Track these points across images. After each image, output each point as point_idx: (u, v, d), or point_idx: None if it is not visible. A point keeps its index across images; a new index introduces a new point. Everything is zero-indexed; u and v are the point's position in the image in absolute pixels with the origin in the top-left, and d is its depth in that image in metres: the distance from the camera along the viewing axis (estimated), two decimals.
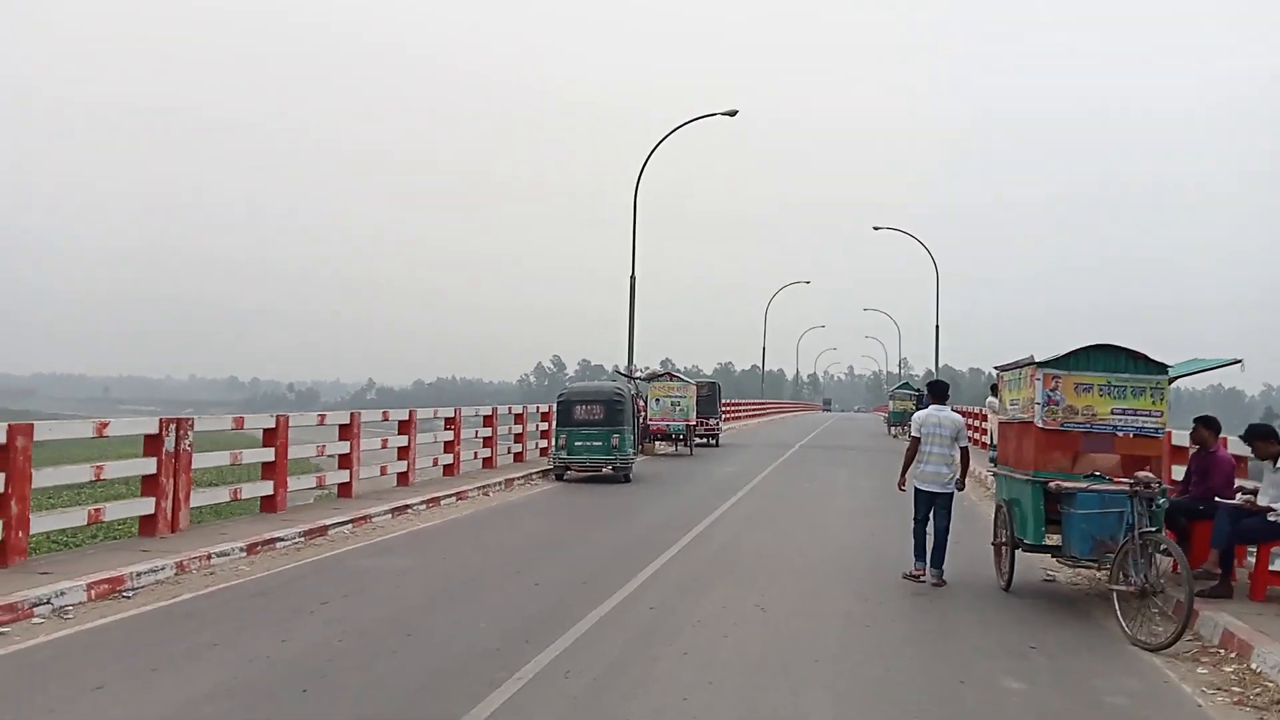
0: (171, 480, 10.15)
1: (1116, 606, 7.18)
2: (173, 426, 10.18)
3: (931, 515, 9.11)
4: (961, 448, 9.09)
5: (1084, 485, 7.73)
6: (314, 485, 13.07)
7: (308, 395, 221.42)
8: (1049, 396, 8.12)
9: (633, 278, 29.27)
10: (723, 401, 32.71)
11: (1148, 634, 6.90)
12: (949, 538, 9.03)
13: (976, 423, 27.65)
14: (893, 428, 40.00)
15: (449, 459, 17.04)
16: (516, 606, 7.62)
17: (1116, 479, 7.61)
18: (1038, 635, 7.06)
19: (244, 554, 9.66)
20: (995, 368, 9.49)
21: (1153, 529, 7.10)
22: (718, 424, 30.03)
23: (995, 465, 20.65)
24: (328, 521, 11.32)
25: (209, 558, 9.21)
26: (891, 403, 42.83)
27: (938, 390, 9.83)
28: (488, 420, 18.74)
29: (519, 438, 20.22)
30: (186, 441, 10.35)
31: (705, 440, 29.12)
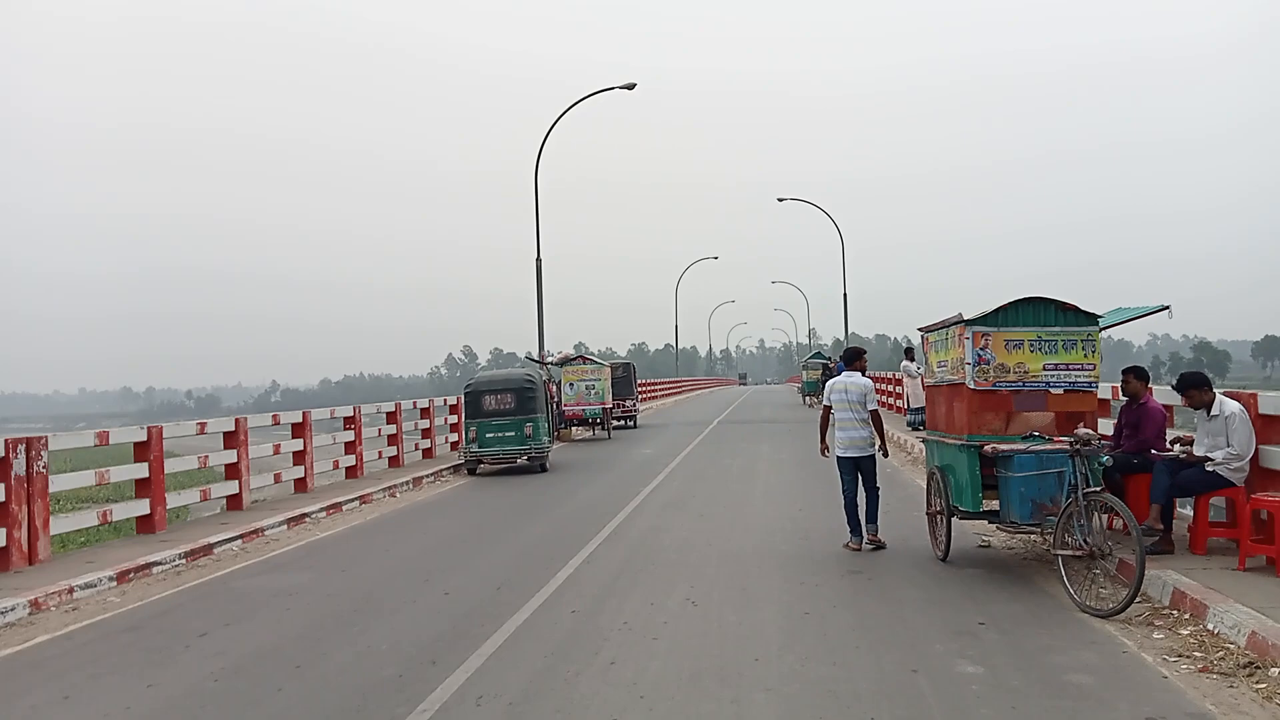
0: (24, 507, 9.01)
1: (1062, 572, 6.80)
2: (22, 447, 9.02)
3: (859, 481, 9.14)
4: (871, 410, 9.07)
5: (1021, 446, 7.34)
6: (198, 499, 11.93)
7: (208, 401, 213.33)
8: (979, 355, 7.70)
9: (538, 260, 28.39)
10: (638, 382, 32.16)
11: (1096, 599, 6.54)
12: (879, 497, 9.09)
13: (890, 388, 27.74)
14: (807, 397, 40.19)
15: (352, 460, 16.03)
16: (422, 623, 6.85)
17: (1056, 438, 7.23)
18: (985, 609, 6.64)
19: (113, 584, 8.63)
20: (919, 329, 9.08)
21: (1097, 489, 6.73)
22: (634, 405, 29.48)
23: (916, 430, 20.70)
24: (213, 539, 10.30)
25: (71, 591, 8.16)
26: (805, 373, 43.08)
27: (848, 356, 9.71)
28: (391, 417, 17.75)
29: (426, 433, 19.26)
30: (40, 463, 9.20)
31: (623, 422, 28.55)
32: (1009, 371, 7.72)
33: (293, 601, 7.82)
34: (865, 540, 8.93)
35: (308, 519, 12.12)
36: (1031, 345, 7.71)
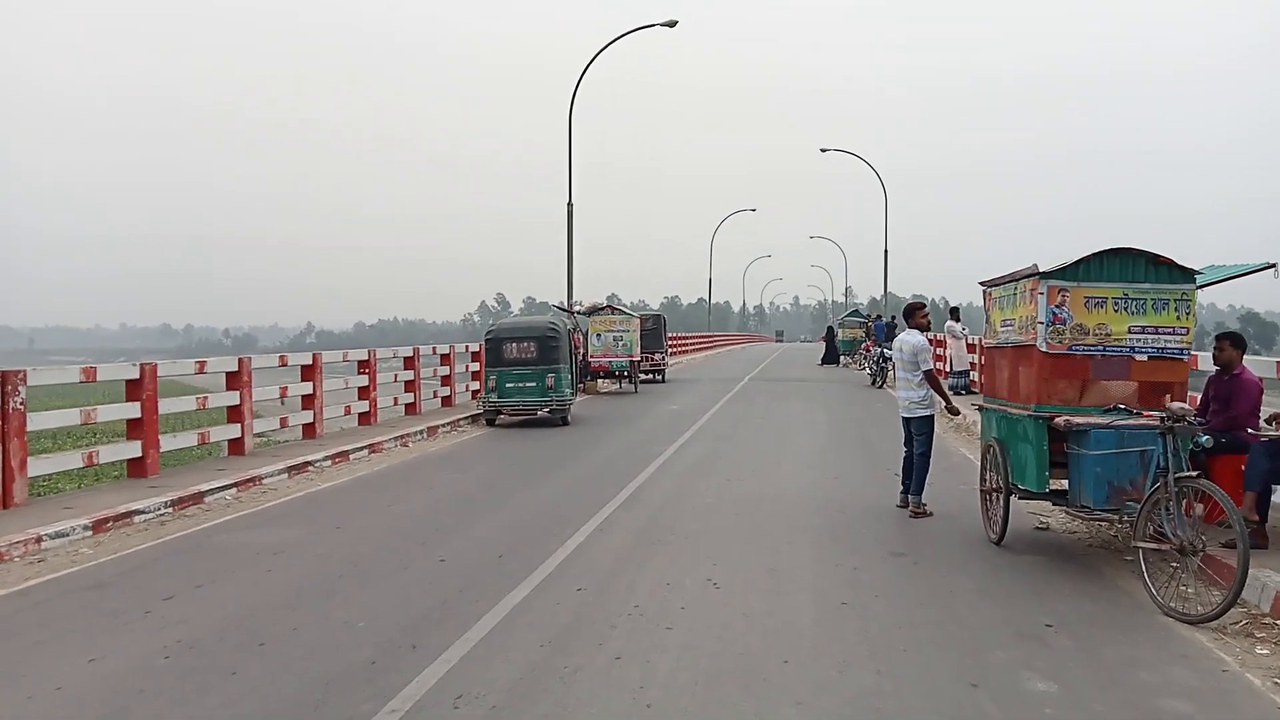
0: None
1: (1143, 568, 5.88)
2: None
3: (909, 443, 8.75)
4: (925, 371, 8.52)
5: (1102, 420, 6.37)
6: (196, 443, 11.27)
7: (245, 340, 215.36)
8: (1054, 314, 6.72)
9: (569, 204, 27.45)
10: (668, 335, 31.22)
11: (1180, 601, 5.63)
12: (928, 465, 8.54)
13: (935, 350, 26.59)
14: (842, 356, 39.03)
15: (366, 406, 15.35)
16: (411, 595, 6.09)
17: (1145, 413, 6.26)
18: (1051, 606, 5.75)
19: (88, 533, 7.98)
20: (980, 282, 8.09)
21: (1192, 474, 5.76)
22: (664, 359, 28.57)
23: (958, 394, 19.64)
24: (206, 486, 9.64)
25: (39, 540, 7.51)
26: (840, 331, 41.80)
27: (906, 311, 9.08)
28: (409, 362, 17.02)
29: (446, 380, 18.54)
30: (17, 399, 8.54)
31: (651, 376, 27.68)
32: (1088, 333, 6.73)
33: (276, 562, 7.11)
34: (909, 511, 8.38)
35: (311, 468, 11.44)
36: (1116, 304, 6.71)
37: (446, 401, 18.50)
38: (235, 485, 10.01)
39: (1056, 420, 6.57)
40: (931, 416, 8.66)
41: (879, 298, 47.48)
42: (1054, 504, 7.10)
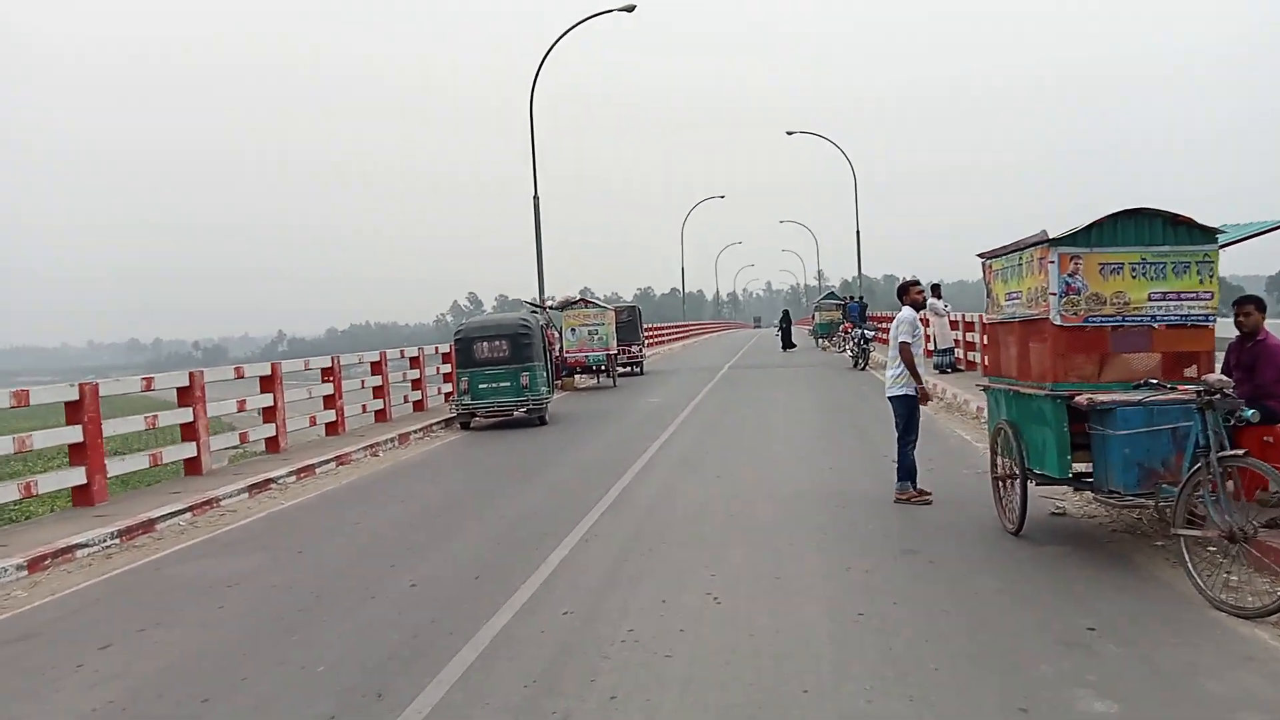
0: None
1: (1186, 558, 5.35)
2: None
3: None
4: (901, 343, 8.12)
5: (1133, 396, 5.82)
6: (148, 464, 10.51)
7: (215, 352, 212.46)
8: (1067, 284, 6.17)
9: (535, 197, 26.71)
10: (644, 326, 30.61)
11: (1229, 593, 5.11)
12: (906, 447, 8.12)
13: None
14: (820, 339, 38.57)
15: (332, 416, 14.63)
16: (377, 630, 5.46)
17: (1181, 387, 5.73)
18: (1089, 606, 5.21)
19: (23, 573, 7.27)
20: (979, 255, 7.54)
21: (1239, 452, 5.22)
22: (641, 351, 27.97)
23: (944, 372, 19.20)
24: (157, 513, 8.93)
25: None
26: (817, 314, 41.27)
27: (898, 290, 8.64)
28: (376, 367, 16.30)
29: (416, 384, 17.84)
30: None
31: (629, 369, 27.09)
32: (1105, 303, 6.19)
33: (230, 596, 6.44)
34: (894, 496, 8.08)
35: (273, 485, 10.74)
36: (1134, 269, 6.17)
37: (419, 406, 17.81)
38: (190, 509, 9.31)
39: (1077, 399, 6.02)
40: (909, 396, 8.16)
41: (850, 279, 47.16)
42: (1075, 489, 6.58)
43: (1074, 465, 6.32)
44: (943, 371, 19.58)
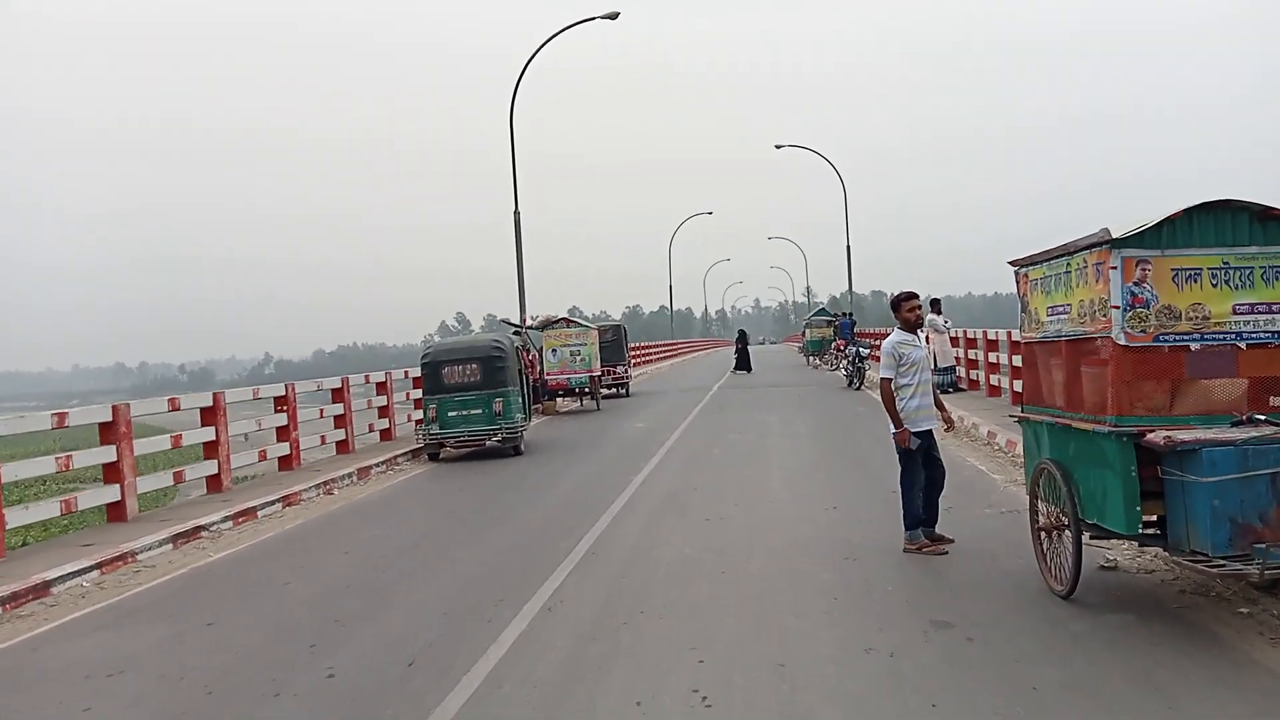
0: None
1: None
2: None
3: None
4: (881, 379, 7.41)
5: (1226, 435, 4.66)
6: (59, 512, 9.23)
7: (201, 375, 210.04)
8: (1133, 294, 5.03)
9: (516, 213, 25.60)
10: (630, 345, 29.41)
11: None
12: (904, 494, 7.11)
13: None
14: (811, 357, 37.46)
15: (286, 449, 13.38)
16: None
17: None
18: (1181, 706, 4.04)
19: None
20: (1011, 261, 6.40)
21: None
22: (626, 371, 26.74)
23: (945, 391, 18.09)
24: (56, 572, 7.69)
25: None
26: (808, 331, 40.17)
27: (893, 304, 7.56)
28: (337, 395, 15.06)
29: (384, 411, 16.60)
30: None
31: (614, 390, 25.86)
32: (1179, 317, 5.05)
33: (104, 692, 5.20)
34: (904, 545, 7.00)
35: (204, 533, 9.48)
36: (1214, 276, 5.04)
37: (386, 435, 16.55)
38: (99, 566, 8.05)
39: (1150, 437, 4.86)
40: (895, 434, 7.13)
41: (839, 295, 46.17)
42: (1141, 545, 5.42)
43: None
44: (944, 391, 18.39)
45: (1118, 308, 5.03)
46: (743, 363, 34.54)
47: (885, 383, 7.18)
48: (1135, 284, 5.02)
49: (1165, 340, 5.05)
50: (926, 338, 22.10)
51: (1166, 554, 5.18)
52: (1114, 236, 5.01)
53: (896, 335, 7.26)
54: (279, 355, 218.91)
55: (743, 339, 36.92)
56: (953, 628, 5.25)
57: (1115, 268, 5.03)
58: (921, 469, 7.10)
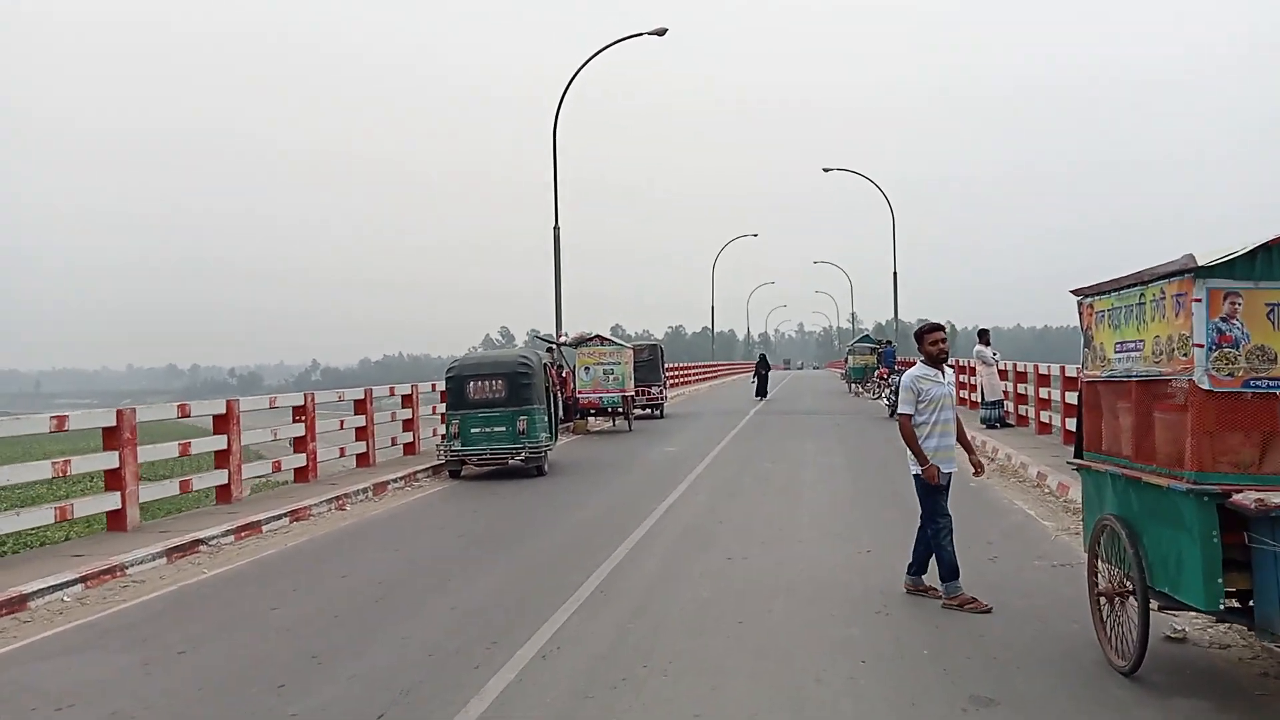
0: None
1: None
2: None
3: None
4: (900, 415, 6.68)
5: None
6: (52, 520, 8.87)
7: (250, 379, 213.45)
8: (1220, 331, 4.35)
9: (556, 228, 25.29)
10: (666, 365, 28.82)
11: None
12: (934, 540, 6.49)
13: (964, 378, 24.17)
14: (853, 385, 36.58)
15: (303, 460, 13.01)
16: None
17: None
18: None
19: None
20: (1074, 291, 5.74)
21: None
22: (661, 392, 26.17)
23: (992, 427, 17.23)
24: (37, 585, 7.29)
25: None
26: (851, 358, 39.33)
27: (917, 336, 6.87)
28: (360, 406, 14.68)
29: (408, 424, 16.19)
30: None
31: (647, 411, 25.31)
32: (1275, 360, 4.36)
33: None
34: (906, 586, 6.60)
35: (203, 547, 9.06)
36: None
37: (409, 449, 16.13)
38: (83, 580, 7.65)
39: (1236, 498, 4.17)
40: (917, 475, 6.53)
41: (884, 323, 45.17)
42: (1221, 620, 4.71)
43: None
44: (990, 426, 17.62)
45: (1201, 346, 4.36)
46: (761, 389, 33.66)
47: (905, 419, 6.54)
48: (1223, 320, 4.34)
49: (1257, 385, 4.36)
50: (971, 368, 21.23)
51: (1256, 636, 4.46)
52: (1199, 264, 4.35)
53: (918, 369, 6.64)
54: (326, 363, 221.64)
55: (763, 364, 36.09)
56: (996, 706, 4.57)
57: (1199, 300, 4.36)
58: (948, 512, 6.49)
